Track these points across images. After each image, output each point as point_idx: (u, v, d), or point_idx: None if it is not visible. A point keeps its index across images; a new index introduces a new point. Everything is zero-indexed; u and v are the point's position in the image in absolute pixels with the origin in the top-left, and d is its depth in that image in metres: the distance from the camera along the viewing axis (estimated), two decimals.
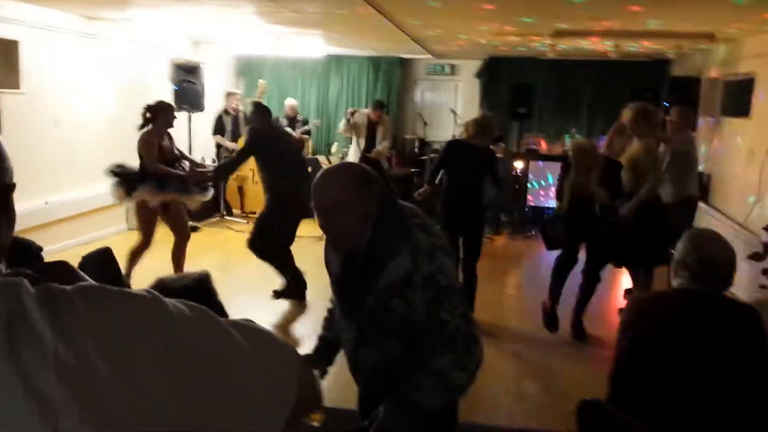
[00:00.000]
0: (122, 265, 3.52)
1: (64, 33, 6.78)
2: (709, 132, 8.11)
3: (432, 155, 9.68)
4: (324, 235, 1.97)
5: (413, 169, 9.58)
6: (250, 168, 8.69)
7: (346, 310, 2.01)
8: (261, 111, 5.73)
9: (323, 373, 2.16)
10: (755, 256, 3.13)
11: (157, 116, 5.28)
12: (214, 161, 9.50)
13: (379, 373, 1.93)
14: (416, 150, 10.35)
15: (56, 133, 6.74)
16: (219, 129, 9.08)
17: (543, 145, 9.42)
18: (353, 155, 8.44)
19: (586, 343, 4.78)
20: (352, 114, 8.35)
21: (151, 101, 5.42)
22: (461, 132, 5.47)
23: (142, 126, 5.30)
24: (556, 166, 8.81)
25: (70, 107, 6.97)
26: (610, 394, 2.31)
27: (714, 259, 2.22)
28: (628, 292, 6.15)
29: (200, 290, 1.37)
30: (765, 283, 3.15)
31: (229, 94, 9.08)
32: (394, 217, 1.85)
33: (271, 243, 5.39)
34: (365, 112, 8.58)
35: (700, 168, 8.00)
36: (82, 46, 7.08)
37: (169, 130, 5.48)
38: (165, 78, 8.43)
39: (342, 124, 8.67)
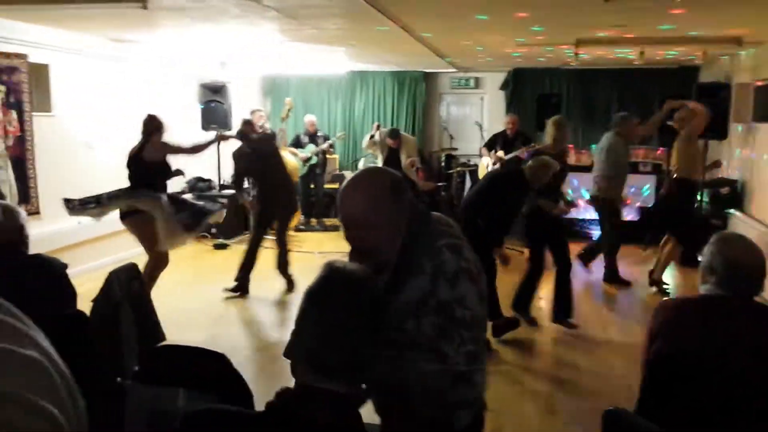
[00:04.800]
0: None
1: (92, 56, 6.96)
2: (741, 138, 7.95)
3: (459, 169, 9.66)
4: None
5: (439, 183, 9.56)
6: None
7: None
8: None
9: None
10: None
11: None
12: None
13: (391, 388, 1.83)
14: (442, 164, 10.35)
15: (87, 154, 6.89)
16: None
17: (573, 157, 9.31)
18: None
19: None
20: (377, 128, 8.41)
21: (181, 121, 5.60)
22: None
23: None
24: (586, 177, 8.72)
25: (99, 129, 7.12)
26: (639, 404, 2.26)
27: (742, 263, 2.16)
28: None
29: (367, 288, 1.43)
30: None
31: (253, 112, 9.18)
32: (425, 232, 1.70)
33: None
34: (385, 131, 8.68)
35: (735, 175, 7.88)
36: (110, 68, 7.26)
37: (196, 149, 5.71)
38: (192, 98, 8.57)
39: (366, 139, 8.70)
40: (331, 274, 1.42)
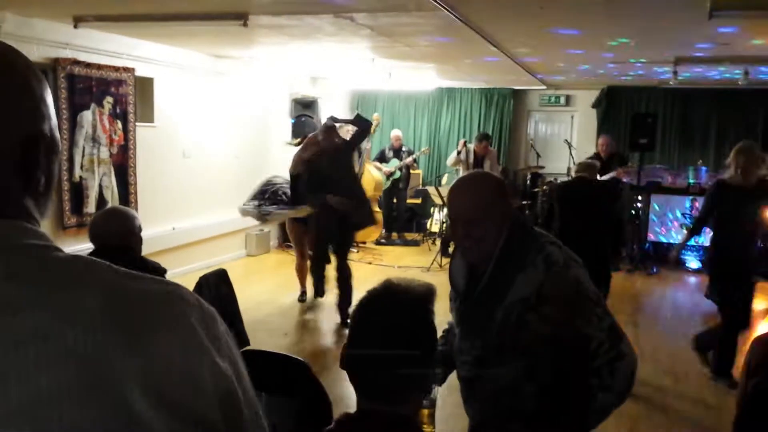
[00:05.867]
0: (237, 286, 3.68)
1: (193, 71, 7.32)
2: None
3: (544, 188, 9.47)
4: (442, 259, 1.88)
5: (524, 202, 9.41)
6: None
7: (468, 327, 1.90)
8: None
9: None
10: None
11: None
12: None
13: (500, 396, 1.82)
14: (528, 182, 10.17)
15: (184, 164, 7.24)
16: None
17: (668, 178, 8.96)
18: None
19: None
20: (464, 145, 8.39)
21: (273, 134, 5.82)
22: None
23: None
24: (680, 200, 8.38)
25: (198, 140, 7.47)
26: None
27: None
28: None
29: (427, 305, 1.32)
30: None
31: (340, 126, 9.36)
32: (525, 232, 1.82)
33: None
34: (471, 146, 8.62)
35: None
36: (209, 82, 7.60)
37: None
38: (285, 112, 8.84)
39: (453, 156, 8.70)
40: (384, 288, 1.32)
